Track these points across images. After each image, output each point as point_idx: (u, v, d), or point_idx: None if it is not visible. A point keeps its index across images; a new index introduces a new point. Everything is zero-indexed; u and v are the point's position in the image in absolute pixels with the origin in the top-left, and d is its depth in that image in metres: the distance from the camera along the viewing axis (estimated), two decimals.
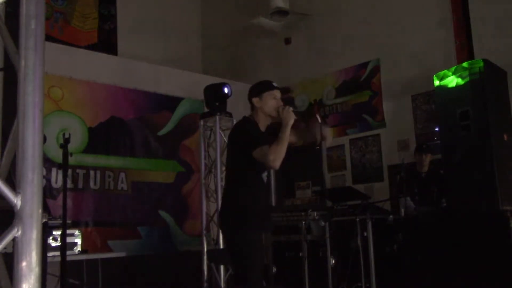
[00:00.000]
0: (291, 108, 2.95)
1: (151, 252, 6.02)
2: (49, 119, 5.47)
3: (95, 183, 5.85)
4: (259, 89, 3.07)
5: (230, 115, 5.78)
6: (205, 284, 5.56)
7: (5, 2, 1.58)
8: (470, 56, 5.50)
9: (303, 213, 4.89)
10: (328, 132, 3.14)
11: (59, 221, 4.45)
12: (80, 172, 5.74)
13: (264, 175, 3.05)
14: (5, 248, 1.31)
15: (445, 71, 4.68)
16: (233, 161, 3.10)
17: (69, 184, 5.42)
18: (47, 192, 5.32)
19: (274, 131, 2.97)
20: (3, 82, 4.95)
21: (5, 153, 1.59)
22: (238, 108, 5.73)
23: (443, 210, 4.82)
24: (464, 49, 5.63)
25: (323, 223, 4.86)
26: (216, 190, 5.62)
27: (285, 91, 3.23)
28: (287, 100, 3.17)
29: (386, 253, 4.82)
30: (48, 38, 5.47)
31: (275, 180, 6.74)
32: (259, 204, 3.01)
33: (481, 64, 4.42)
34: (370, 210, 4.79)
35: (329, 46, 7.06)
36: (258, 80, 3.20)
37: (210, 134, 5.98)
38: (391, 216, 4.87)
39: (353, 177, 6.69)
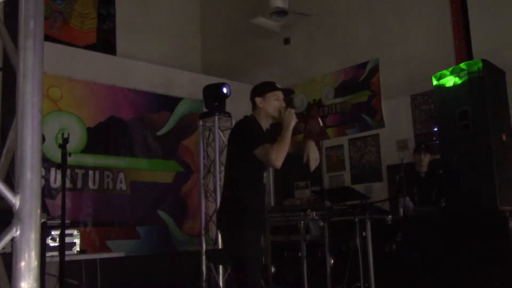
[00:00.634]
0: (293, 110, 2.97)
1: (150, 252, 6.02)
2: (48, 119, 5.47)
3: (94, 183, 5.85)
4: (263, 89, 3.09)
5: (229, 115, 5.78)
6: (204, 284, 5.56)
7: (4, 2, 1.58)
8: (469, 56, 5.50)
9: (302, 213, 4.89)
10: (314, 155, 3.05)
11: (58, 221, 4.45)
12: (79, 172, 5.74)
13: (265, 175, 3.05)
14: (4, 248, 1.31)
15: (444, 71, 4.68)
16: (234, 160, 3.08)
17: (68, 184, 5.42)
18: (46, 192, 5.32)
19: (274, 132, 2.98)
20: (1, 82, 4.95)
21: (3, 153, 1.58)
22: (237, 108, 5.74)
23: (442, 210, 4.82)
24: (463, 49, 5.63)
25: (322, 223, 4.86)
26: (215, 190, 5.62)
27: (288, 92, 3.24)
28: (287, 100, 3.16)
29: (385, 253, 4.82)
30: (47, 38, 5.44)
31: (274, 180, 6.75)
32: (258, 205, 3.00)
33: (480, 64, 4.42)
34: (369, 210, 4.79)
35: (328, 46, 7.07)
36: (257, 80, 3.21)
37: (209, 134, 5.98)
38: (390, 216, 4.87)
39: (352, 177, 6.69)
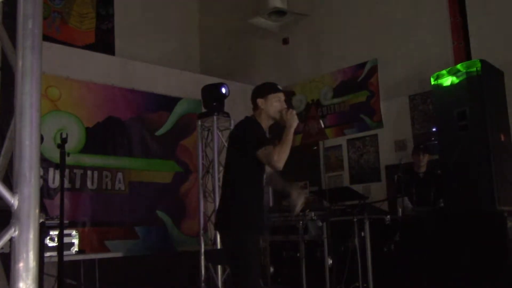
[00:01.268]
0: (294, 111, 2.98)
1: (149, 252, 6.02)
2: (47, 119, 5.46)
3: (92, 183, 5.84)
4: (265, 90, 3.09)
5: (227, 115, 5.78)
6: (203, 284, 5.56)
7: (2, 2, 1.58)
8: (468, 57, 5.51)
9: (300, 213, 4.89)
10: (299, 200, 3.11)
11: (57, 221, 4.45)
12: (78, 172, 5.73)
13: (265, 176, 3.05)
14: (2, 248, 1.31)
15: (443, 72, 4.69)
16: (234, 161, 3.06)
17: (67, 184, 5.41)
18: (45, 192, 5.31)
19: (274, 134, 2.99)
20: (0, 82, 4.94)
21: (2, 153, 1.58)
22: (236, 108, 5.74)
23: (441, 210, 4.82)
24: (462, 49, 5.64)
25: (320, 223, 4.86)
26: (213, 190, 5.61)
27: (289, 94, 3.27)
28: (287, 101, 3.18)
29: (383, 253, 4.82)
30: (46, 38, 5.44)
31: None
32: (258, 205, 3.00)
33: (478, 64, 4.43)
34: (368, 210, 4.79)
35: (326, 46, 7.07)
36: (255, 80, 3.22)
37: (208, 134, 5.97)
38: (389, 216, 4.87)
39: (350, 177, 6.69)
